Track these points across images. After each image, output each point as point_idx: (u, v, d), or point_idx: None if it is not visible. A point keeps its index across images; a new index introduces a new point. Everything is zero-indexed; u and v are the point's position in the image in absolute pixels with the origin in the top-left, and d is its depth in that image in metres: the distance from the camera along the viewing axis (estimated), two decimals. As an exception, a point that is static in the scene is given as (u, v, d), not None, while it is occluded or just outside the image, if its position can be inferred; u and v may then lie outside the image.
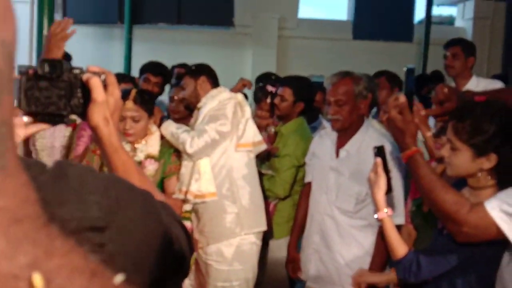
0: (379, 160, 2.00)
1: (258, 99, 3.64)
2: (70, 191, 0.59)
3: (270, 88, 3.63)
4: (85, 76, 0.98)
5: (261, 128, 3.36)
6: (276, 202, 3.34)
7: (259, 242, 3.02)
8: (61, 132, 3.35)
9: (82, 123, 3.30)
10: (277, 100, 3.37)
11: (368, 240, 2.52)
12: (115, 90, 1.01)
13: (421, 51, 8.01)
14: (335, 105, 2.50)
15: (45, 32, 4.05)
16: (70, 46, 8.54)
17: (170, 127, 2.86)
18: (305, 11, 8.41)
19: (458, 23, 8.80)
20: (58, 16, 7.92)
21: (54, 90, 0.96)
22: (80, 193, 0.60)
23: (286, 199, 3.32)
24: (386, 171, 1.99)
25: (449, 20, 9.59)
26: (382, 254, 2.42)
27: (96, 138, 1.01)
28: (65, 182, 0.60)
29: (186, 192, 2.81)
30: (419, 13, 8.45)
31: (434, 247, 1.87)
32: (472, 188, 1.77)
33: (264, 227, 3.02)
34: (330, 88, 2.55)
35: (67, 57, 3.30)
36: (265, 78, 4.49)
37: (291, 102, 3.34)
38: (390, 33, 7.93)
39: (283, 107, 3.35)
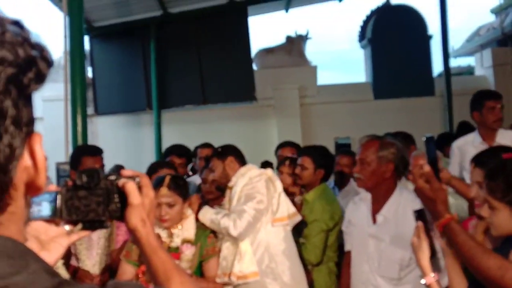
0: (420, 223, 1.94)
1: (279, 166, 3.73)
2: None
3: (290, 154, 3.75)
4: (120, 182, 1.02)
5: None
6: (310, 270, 3.29)
7: (303, 318, 2.96)
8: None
9: None
10: (298, 170, 3.48)
11: None
12: (149, 191, 1.04)
13: (444, 103, 8.02)
14: (359, 163, 2.54)
15: (79, 128, 4.27)
16: (103, 136, 8.91)
17: (208, 214, 2.91)
18: (323, 76, 8.59)
19: (478, 71, 8.84)
20: (90, 110, 8.34)
21: (93, 198, 1.00)
22: None
23: (320, 266, 3.30)
24: (428, 234, 1.95)
25: (468, 70, 9.64)
26: None
27: (135, 239, 1.04)
28: None
29: (229, 275, 2.81)
30: (438, 66, 8.55)
31: None
32: None
33: (307, 302, 2.97)
34: (359, 147, 2.60)
35: (98, 150, 3.44)
36: (285, 146, 4.61)
37: (312, 170, 3.45)
38: (410, 89, 8.00)
39: (305, 176, 3.46)
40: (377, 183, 2.53)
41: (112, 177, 1.04)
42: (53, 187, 1.01)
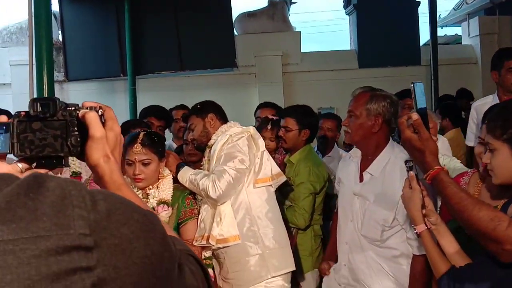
0: (412, 174, 1.84)
1: (260, 128, 3.50)
2: (47, 204, 0.53)
3: (270, 116, 3.57)
4: (81, 113, 0.91)
5: None
6: (294, 234, 3.21)
7: (287, 285, 2.76)
8: (66, 174, 3.17)
9: (90, 179, 3.13)
10: (281, 132, 3.33)
11: (402, 272, 2.29)
12: (115, 125, 0.95)
13: (431, 73, 7.87)
14: (348, 116, 2.43)
15: (45, 93, 3.94)
16: (74, 102, 8.62)
17: (187, 174, 2.69)
18: (307, 48, 8.35)
19: (465, 41, 8.70)
20: (60, 76, 7.95)
21: (49, 131, 0.90)
22: (60, 207, 0.53)
23: (306, 230, 3.22)
24: (420, 185, 1.83)
25: (455, 40, 9.49)
26: (418, 287, 2.21)
27: (96, 177, 0.94)
28: (43, 195, 0.54)
29: (208, 238, 2.59)
30: (424, 36, 8.39)
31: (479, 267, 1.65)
32: None
33: (292, 267, 2.77)
34: (351, 100, 2.46)
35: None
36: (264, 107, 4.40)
37: (296, 132, 3.29)
38: (396, 58, 7.82)
39: (289, 138, 3.31)
40: (364, 137, 2.39)
41: (72, 108, 0.92)
42: (4, 117, 0.91)
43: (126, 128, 3.02)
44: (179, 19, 7.41)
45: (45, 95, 3.87)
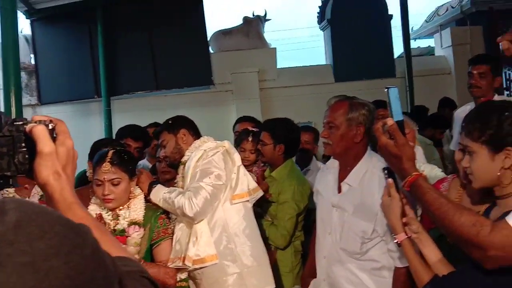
0: (391, 181, 1.79)
1: (240, 140, 3.42)
2: None
3: (251, 127, 3.50)
4: (28, 127, 0.86)
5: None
6: (274, 250, 3.14)
7: (268, 303, 2.66)
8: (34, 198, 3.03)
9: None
10: (260, 146, 3.29)
11: (382, 285, 2.22)
12: (67, 139, 0.90)
13: (406, 84, 7.92)
14: (327, 127, 2.32)
15: (13, 115, 3.82)
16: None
17: (160, 193, 2.58)
18: (283, 65, 8.35)
19: (438, 52, 8.80)
20: (33, 100, 7.79)
21: None
22: None
23: (285, 248, 3.14)
24: (399, 193, 1.79)
25: (429, 51, 9.60)
26: None
27: (46, 196, 0.88)
28: None
29: (184, 259, 2.48)
30: (398, 48, 8.46)
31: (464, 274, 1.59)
32: (500, 198, 1.57)
33: (272, 285, 2.68)
34: (326, 110, 2.37)
35: None
36: (243, 121, 4.32)
37: (271, 146, 3.24)
38: (371, 71, 7.85)
39: (266, 152, 3.26)
40: (346, 149, 2.31)
41: (19, 122, 0.87)
42: None
43: (97, 147, 2.91)
44: (153, 38, 7.34)
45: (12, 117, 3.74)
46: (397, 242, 1.77)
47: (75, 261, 0.51)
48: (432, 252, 1.71)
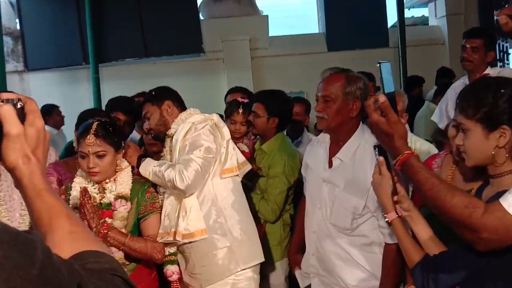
0: (381, 158, 1.75)
1: (230, 112, 3.34)
2: None
3: (241, 98, 3.41)
4: None
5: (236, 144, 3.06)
6: (263, 223, 3.12)
7: (257, 276, 2.65)
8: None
9: (50, 167, 2.95)
10: (251, 117, 3.20)
11: (373, 261, 2.20)
12: (37, 119, 0.83)
13: (399, 54, 7.83)
14: (322, 101, 2.24)
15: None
16: (36, 93, 8.33)
17: (150, 166, 2.52)
18: (274, 33, 8.21)
19: (432, 22, 8.71)
20: (20, 66, 7.62)
21: None
22: None
23: (275, 222, 3.13)
24: (390, 171, 1.75)
25: (422, 21, 9.49)
26: (391, 277, 2.13)
27: (15, 181, 0.83)
28: None
29: (174, 234, 2.44)
30: (392, 17, 8.35)
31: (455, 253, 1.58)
32: (493, 177, 1.55)
33: (261, 258, 2.66)
34: (320, 83, 2.28)
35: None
36: (235, 92, 4.22)
37: (265, 118, 3.15)
38: (365, 41, 7.75)
39: (258, 124, 3.17)
40: (341, 123, 2.25)
41: None
42: None
43: (84, 118, 2.83)
44: (142, 3, 7.18)
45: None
46: (387, 220, 1.75)
47: (17, 285, 0.46)
48: (423, 230, 1.68)
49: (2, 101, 0.81)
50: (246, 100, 3.39)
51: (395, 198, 1.72)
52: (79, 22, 7.13)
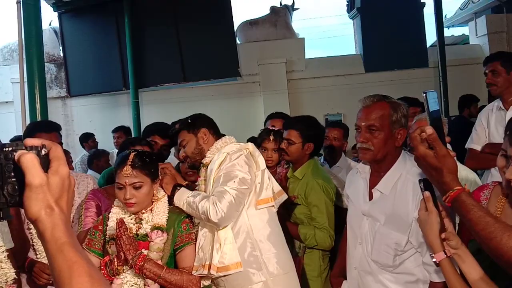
0: (428, 194, 1.62)
1: (261, 140, 3.32)
2: None
3: (271, 127, 3.38)
4: (17, 155, 0.77)
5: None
6: (301, 255, 3.04)
7: (294, 311, 2.57)
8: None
9: (90, 192, 2.99)
10: (284, 145, 3.13)
11: None
12: (61, 167, 0.79)
13: (439, 74, 7.66)
14: (366, 131, 2.10)
15: (38, 110, 3.81)
16: (78, 117, 8.53)
17: (185, 197, 2.49)
18: (311, 54, 8.22)
19: (473, 41, 8.48)
20: (63, 92, 7.86)
21: None
22: None
23: (313, 249, 3.04)
24: (437, 206, 1.63)
25: (463, 40, 9.27)
26: None
27: (38, 234, 0.79)
28: None
29: (209, 267, 2.39)
30: (431, 37, 8.20)
31: None
32: None
33: (298, 293, 2.58)
34: (361, 112, 2.15)
35: (54, 126, 3.05)
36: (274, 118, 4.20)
37: (300, 145, 3.10)
38: (403, 61, 7.63)
39: (292, 151, 3.10)
40: (387, 154, 2.12)
41: (8, 148, 0.79)
42: None
43: (124, 146, 2.86)
44: (180, 30, 7.30)
45: (38, 112, 3.75)
46: (435, 261, 1.63)
47: None
48: (472, 269, 1.58)
49: (26, 148, 0.79)
50: (277, 128, 3.38)
51: (443, 235, 1.62)
52: (119, 49, 7.32)
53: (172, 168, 2.77)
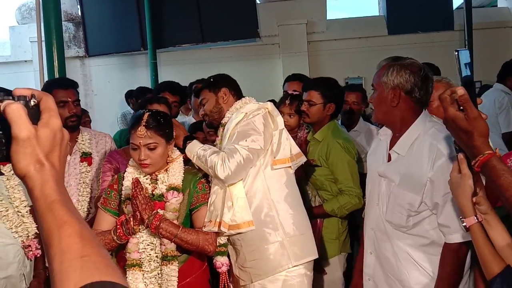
0: (462, 155, 1.55)
1: (279, 103, 3.28)
2: None
3: (290, 90, 3.33)
4: (2, 105, 0.71)
5: None
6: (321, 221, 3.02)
7: (310, 273, 2.56)
8: (76, 169, 3.03)
9: (108, 155, 2.99)
10: (304, 107, 3.11)
11: (434, 264, 2.03)
12: (52, 118, 0.73)
13: (464, 38, 7.42)
14: (373, 92, 2.18)
15: (56, 69, 3.79)
16: (96, 77, 8.56)
17: (196, 149, 2.47)
18: (332, 15, 8.00)
19: (501, 3, 8.16)
20: (81, 52, 7.82)
21: None
22: None
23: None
24: (471, 169, 1.53)
25: (490, 2, 8.93)
26: (446, 281, 1.97)
27: (27, 191, 0.73)
28: None
29: (219, 224, 2.39)
30: (457, -2, 7.91)
31: None
32: None
33: (314, 255, 2.57)
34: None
35: (71, 83, 3.07)
36: (292, 80, 4.15)
37: (321, 105, 3.07)
38: (427, 23, 7.39)
39: (313, 112, 3.08)
40: (386, 113, 2.12)
41: None
42: None
43: (141, 105, 2.86)
44: (199, -12, 7.17)
45: (56, 71, 3.73)
46: (465, 225, 1.58)
47: None
48: (500, 236, 1.52)
49: (13, 98, 0.73)
50: (296, 92, 3.32)
51: (474, 199, 1.56)
52: (138, 9, 7.24)
53: (177, 122, 2.76)
